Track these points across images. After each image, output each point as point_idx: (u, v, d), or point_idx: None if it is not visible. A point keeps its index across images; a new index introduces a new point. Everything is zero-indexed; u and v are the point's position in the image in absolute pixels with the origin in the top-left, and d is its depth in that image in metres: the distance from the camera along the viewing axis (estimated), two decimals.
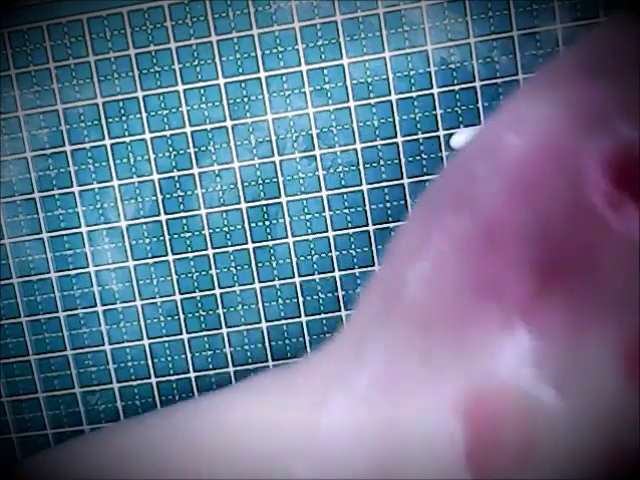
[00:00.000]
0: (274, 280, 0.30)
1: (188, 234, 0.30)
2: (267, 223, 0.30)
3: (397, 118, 0.29)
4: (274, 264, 0.30)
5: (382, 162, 0.29)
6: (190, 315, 0.31)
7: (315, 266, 0.30)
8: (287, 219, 0.30)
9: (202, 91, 0.30)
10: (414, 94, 0.29)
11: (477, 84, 0.29)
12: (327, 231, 0.30)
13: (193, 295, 0.31)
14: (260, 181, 0.30)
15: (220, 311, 0.30)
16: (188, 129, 0.30)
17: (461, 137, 0.29)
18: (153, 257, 0.31)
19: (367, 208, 0.30)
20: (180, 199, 0.30)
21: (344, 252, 0.30)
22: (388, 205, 0.30)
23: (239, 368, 0.31)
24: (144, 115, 0.30)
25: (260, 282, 0.30)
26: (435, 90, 0.29)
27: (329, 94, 0.29)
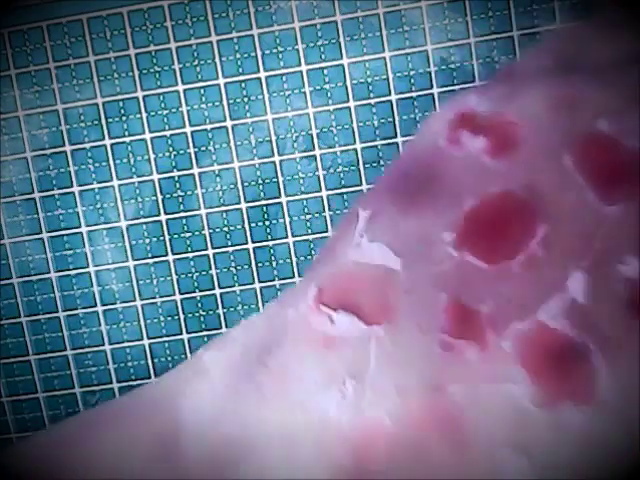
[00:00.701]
0: (274, 280, 0.30)
1: (188, 234, 0.30)
2: (267, 223, 0.30)
3: (397, 118, 0.29)
4: (274, 264, 0.30)
5: (382, 162, 0.29)
6: (190, 315, 0.31)
7: None
8: (287, 219, 0.30)
9: (202, 91, 0.30)
10: (414, 94, 0.29)
11: (477, 84, 0.29)
12: (327, 231, 0.30)
13: (193, 295, 0.31)
14: (260, 181, 0.30)
15: (220, 311, 0.30)
16: (188, 129, 0.30)
17: None
18: (153, 257, 0.31)
19: None
20: (180, 199, 0.30)
21: None
22: None
23: None
24: (144, 115, 0.30)
25: (260, 282, 0.30)
26: (435, 90, 0.29)
27: (329, 94, 0.29)
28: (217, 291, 0.30)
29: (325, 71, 0.29)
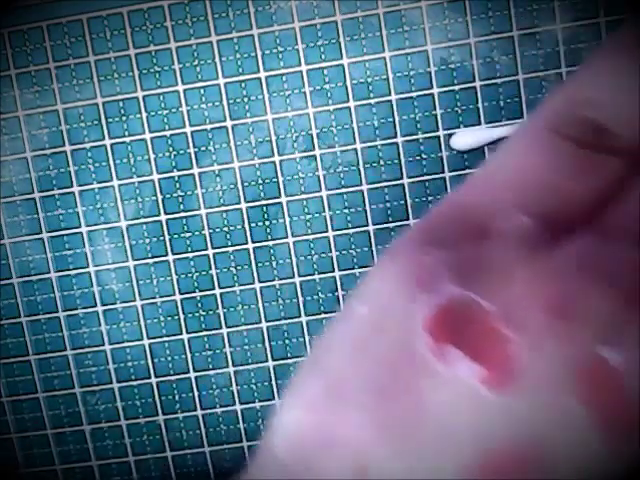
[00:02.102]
0: (274, 280, 0.30)
1: (188, 234, 0.30)
2: (267, 223, 0.30)
3: (397, 118, 0.29)
4: (274, 264, 0.30)
5: (382, 162, 0.29)
6: (190, 315, 0.31)
7: (315, 266, 0.30)
8: (287, 219, 0.30)
9: (202, 91, 0.30)
10: (414, 94, 0.29)
11: (477, 84, 0.29)
12: (327, 231, 0.30)
13: (193, 295, 0.31)
14: (260, 181, 0.30)
15: (220, 311, 0.30)
16: (188, 129, 0.30)
17: (461, 137, 0.29)
18: (153, 257, 0.31)
19: (367, 208, 0.30)
20: (180, 199, 0.30)
21: (344, 252, 0.30)
22: (388, 205, 0.30)
23: (239, 368, 0.31)
24: (144, 115, 0.30)
25: (260, 282, 0.30)
26: (435, 90, 0.29)
27: (329, 94, 0.29)
28: (217, 291, 0.30)
29: (325, 71, 0.29)
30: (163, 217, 0.30)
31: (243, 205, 0.30)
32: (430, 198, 0.30)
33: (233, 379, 0.31)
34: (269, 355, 0.31)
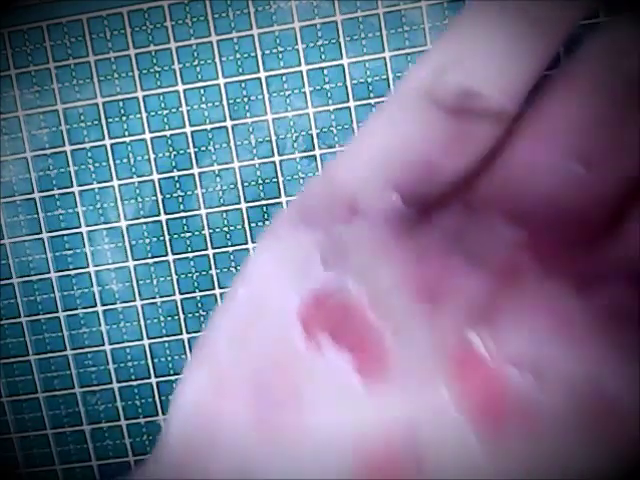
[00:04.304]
0: None
1: (188, 234, 0.30)
2: (267, 223, 0.30)
3: None
4: None
5: None
6: (190, 315, 0.31)
7: None
8: None
9: (202, 91, 0.30)
10: None
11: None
12: None
13: (193, 295, 0.31)
14: (260, 181, 0.30)
15: None
16: (188, 129, 0.30)
17: None
18: (153, 257, 0.31)
19: None
20: (180, 199, 0.30)
21: None
22: None
23: None
24: (144, 115, 0.30)
25: None
26: None
27: (329, 94, 0.29)
28: (217, 291, 0.30)
29: (325, 71, 0.29)
30: (163, 217, 0.30)
31: (243, 205, 0.30)
32: None
33: None
34: None
